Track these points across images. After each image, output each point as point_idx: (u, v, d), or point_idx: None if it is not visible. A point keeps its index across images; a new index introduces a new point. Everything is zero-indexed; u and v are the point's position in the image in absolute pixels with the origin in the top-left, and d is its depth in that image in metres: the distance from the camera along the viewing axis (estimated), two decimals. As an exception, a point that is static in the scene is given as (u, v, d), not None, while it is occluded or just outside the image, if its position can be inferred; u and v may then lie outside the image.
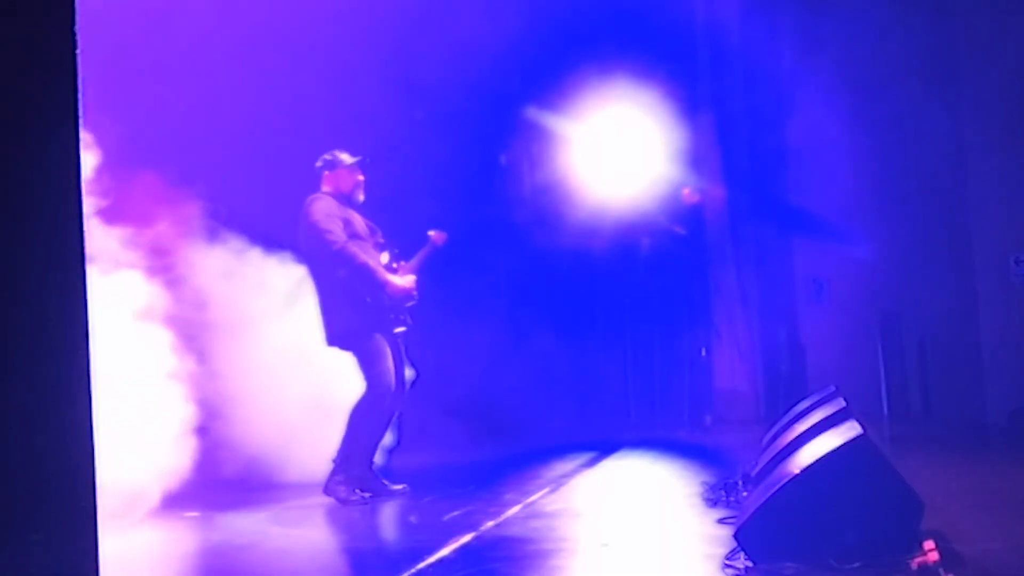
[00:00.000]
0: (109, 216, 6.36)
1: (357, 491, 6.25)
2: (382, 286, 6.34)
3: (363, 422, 6.31)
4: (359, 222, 6.48)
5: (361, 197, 6.56)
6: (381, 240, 6.61)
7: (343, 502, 6.17)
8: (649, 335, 10.30)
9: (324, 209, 6.35)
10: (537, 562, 4.64)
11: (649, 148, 9.88)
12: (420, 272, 6.75)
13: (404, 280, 6.47)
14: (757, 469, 5.58)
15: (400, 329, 6.50)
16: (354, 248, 6.28)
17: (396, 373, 6.42)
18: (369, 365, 6.31)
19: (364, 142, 6.78)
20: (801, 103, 9.78)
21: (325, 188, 6.50)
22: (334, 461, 6.31)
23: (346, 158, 6.56)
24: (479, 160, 9.71)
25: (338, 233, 6.28)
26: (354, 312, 6.31)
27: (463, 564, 4.55)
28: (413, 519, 5.73)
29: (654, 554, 4.77)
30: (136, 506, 5.97)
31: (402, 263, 6.61)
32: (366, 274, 6.30)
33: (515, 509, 5.88)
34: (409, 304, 6.53)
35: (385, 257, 6.54)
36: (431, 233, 6.90)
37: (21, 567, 1.96)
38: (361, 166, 6.58)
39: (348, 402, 6.38)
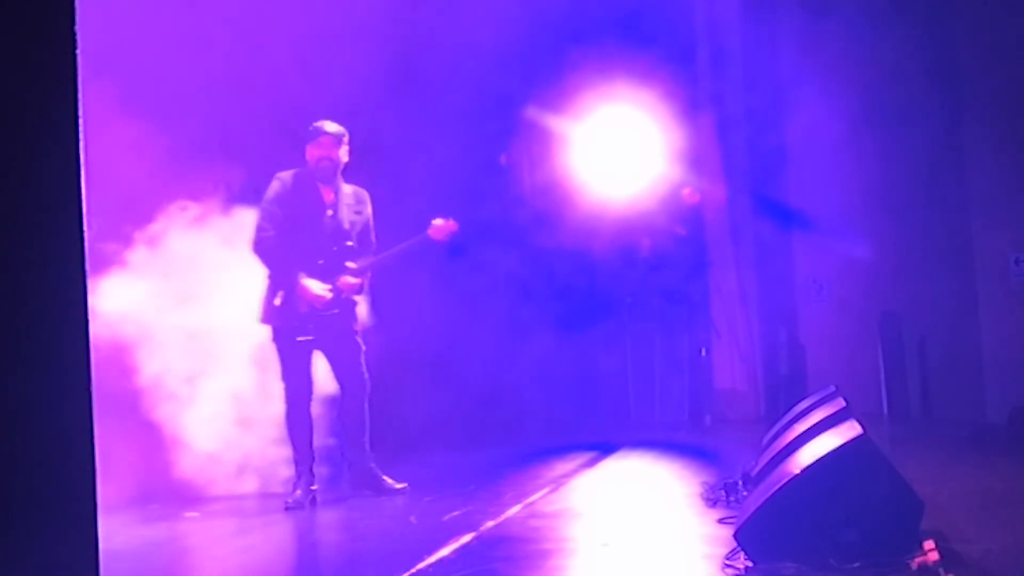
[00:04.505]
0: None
1: (297, 493, 6.19)
2: (290, 290, 6.21)
3: (286, 427, 6.36)
4: (315, 203, 6.29)
5: (327, 173, 6.33)
6: (357, 216, 6.38)
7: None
8: (649, 335, 10.29)
9: (270, 193, 6.31)
10: (537, 562, 4.65)
11: (649, 148, 9.87)
12: (391, 263, 6.57)
13: (318, 288, 6.24)
14: (757, 469, 5.58)
15: (304, 338, 6.27)
16: (266, 248, 6.21)
17: (300, 382, 6.30)
18: (280, 368, 6.34)
19: (364, 142, 6.76)
20: (801, 103, 9.77)
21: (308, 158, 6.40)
22: None
23: (319, 128, 6.37)
24: (479, 160, 9.70)
25: (265, 227, 6.22)
26: (268, 304, 6.28)
27: (463, 564, 4.55)
28: (413, 519, 5.73)
29: (654, 554, 4.77)
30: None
31: (351, 264, 6.36)
32: (276, 277, 6.24)
33: (515, 509, 5.88)
34: (332, 311, 6.29)
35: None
36: (437, 222, 6.51)
37: (21, 567, 1.96)
38: (328, 142, 6.32)
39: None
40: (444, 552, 4.78)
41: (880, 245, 9.72)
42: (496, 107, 9.55)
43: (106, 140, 6.06)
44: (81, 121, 2.07)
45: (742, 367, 10.33)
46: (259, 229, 6.25)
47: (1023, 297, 9.11)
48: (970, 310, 9.44)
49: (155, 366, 6.80)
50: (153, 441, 6.70)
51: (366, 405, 6.50)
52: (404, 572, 4.41)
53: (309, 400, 6.36)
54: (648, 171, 9.92)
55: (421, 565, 4.52)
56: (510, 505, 5.99)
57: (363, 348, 6.54)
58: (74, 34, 2.05)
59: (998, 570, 4.15)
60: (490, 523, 5.47)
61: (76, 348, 2.05)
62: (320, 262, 6.30)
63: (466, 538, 5.08)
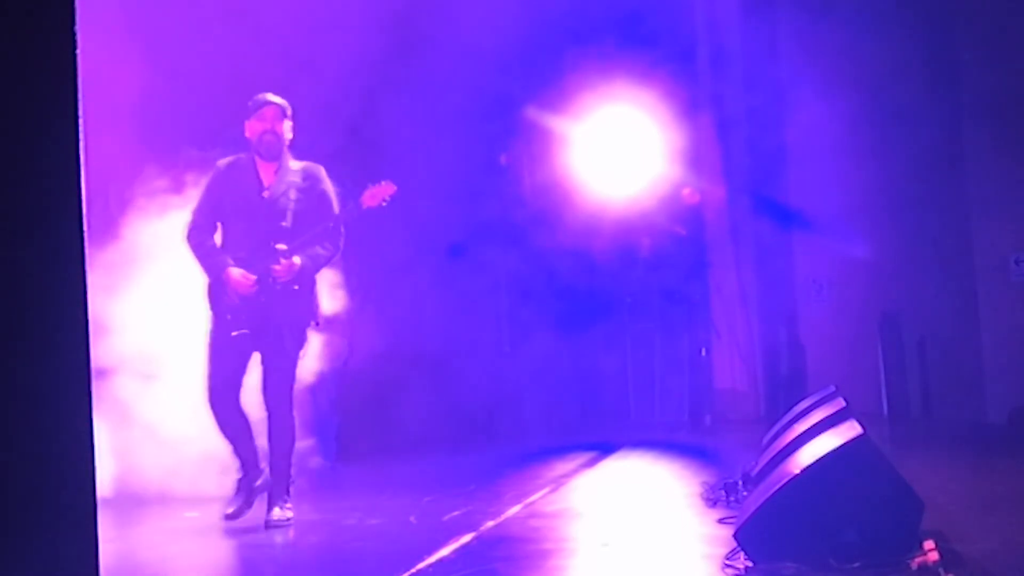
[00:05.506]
0: None
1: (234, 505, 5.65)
2: (217, 284, 5.67)
3: (217, 427, 5.76)
4: (251, 185, 5.74)
5: (272, 149, 5.74)
6: (301, 194, 5.75)
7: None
8: (649, 335, 10.30)
9: (206, 184, 5.86)
10: (537, 562, 4.65)
11: (649, 148, 9.88)
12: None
13: (238, 275, 5.60)
14: (757, 469, 5.58)
15: (238, 332, 5.63)
16: (195, 241, 5.73)
17: (226, 377, 5.63)
18: (207, 363, 5.72)
19: (363, 142, 6.75)
20: (800, 103, 9.78)
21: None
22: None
23: (262, 99, 5.79)
24: (479, 160, 9.71)
25: (194, 219, 5.76)
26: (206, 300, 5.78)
27: (463, 564, 4.55)
28: (413, 519, 5.73)
29: (654, 554, 4.77)
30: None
31: (282, 247, 5.65)
32: (208, 270, 5.71)
33: (515, 509, 5.89)
34: (260, 301, 5.63)
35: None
36: (371, 188, 5.80)
37: (21, 567, 1.96)
38: (272, 114, 5.75)
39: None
40: (444, 552, 4.78)
41: (880, 245, 9.72)
42: (496, 107, 9.56)
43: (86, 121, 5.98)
44: (81, 121, 2.07)
45: (742, 367, 10.34)
46: (191, 220, 5.80)
47: (1023, 297, 9.11)
48: (970, 310, 9.44)
49: (142, 362, 6.74)
50: (149, 440, 6.69)
51: (283, 422, 5.76)
52: (404, 572, 4.41)
53: (234, 395, 5.69)
54: (648, 171, 9.92)
55: (421, 565, 4.52)
56: (510, 505, 5.99)
57: (297, 349, 5.81)
58: (74, 34, 2.05)
59: (998, 570, 4.15)
60: (490, 523, 5.47)
61: (76, 348, 2.05)
62: (250, 247, 5.69)
63: (466, 538, 5.08)
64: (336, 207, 5.87)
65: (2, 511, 1.96)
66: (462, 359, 9.05)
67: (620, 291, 10.33)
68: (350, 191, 6.05)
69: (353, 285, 7.56)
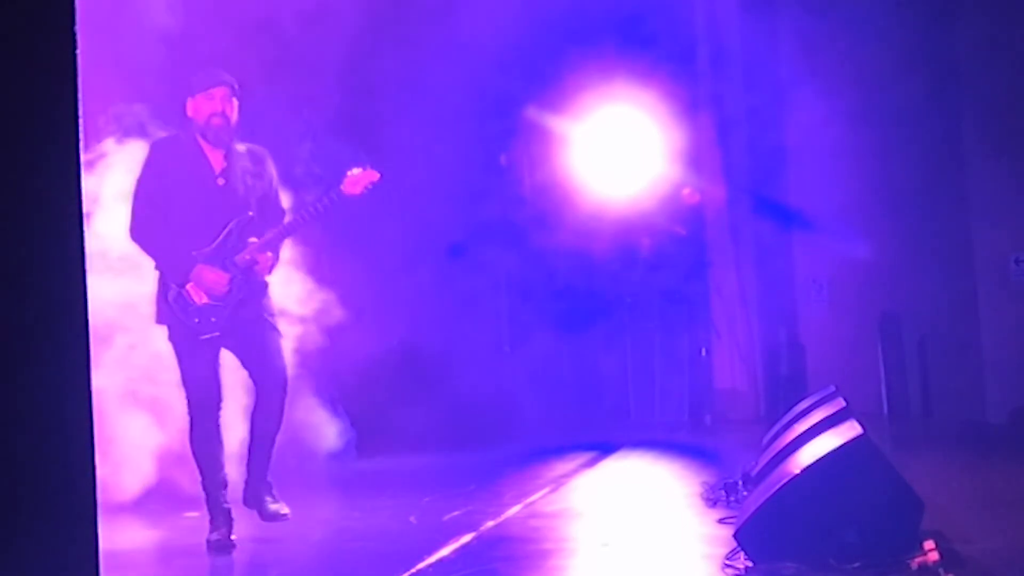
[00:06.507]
0: None
1: (222, 531, 5.21)
2: (183, 280, 5.14)
3: (191, 445, 5.35)
4: (202, 171, 5.23)
5: (220, 134, 5.21)
6: (256, 180, 5.32)
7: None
8: (649, 335, 10.30)
9: (144, 167, 5.26)
10: (537, 562, 4.65)
11: (649, 148, 9.87)
12: (301, 231, 5.54)
13: (213, 274, 5.14)
14: (757, 469, 5.59)
15: (208, 335, 5.18)
16: (145, 234, 5.20)
17: (206, 389, 5.24)
18: (180, 373, 5.28)
19: (362, 142, 6.74)
20: (801, 103, 9.77)
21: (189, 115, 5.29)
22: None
23: (212, 76, 5.27)
24: (479, 160, 9.71)
25: (140, 211, 5.19)
26: (161, 301, 5.25)
27: (463, 564, 4.56)
28: (413, 519, 5.73)
29: (654, 554, 4.77)
30: None
31: (253, 239, 5.24)
32: (164, 266, 5.20)
33: (515, 509, 5.89)
34: (237, 299, 5.19)
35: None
36: (354, 172, 5.31)
37: (21, 567, 1.97)
38: (222, 94, 5.21)
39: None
40: (444, 552, 4.78)
41: (880, 245, 9.71)
42: (496, 107, 9.56)
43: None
44: (81, 121, 2.07)
45: (742, 367, 10.33)
46: (134, 212, 5.20)
47: (1023, 297, 9.11)
48: (970, 310, 9.44)
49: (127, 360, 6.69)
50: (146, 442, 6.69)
51: (283, 407, 5.36)
52: (404, 572, 4.41)
53: (218, 411, 5.30)
54: (648, 171, 9.92)
55: (421, 565, 4.53)
56: (510, 505, 5.99)
57: (280, 335, 5.46)
58: (74, 34, 2.05)
59: (998, 570, 4.16)
60: (490, 523, 5.47)
61: (76, 347, 2.05)
62: (214, 241, 5.17)
63: (466, 538, 5.09)
64: (281, 196, 5.58)
65: (2, 512, 1.96)
66: (462, 359, 9.05)
67: (620, 291, 10.33)
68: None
69: (353, 284, 7.56)
